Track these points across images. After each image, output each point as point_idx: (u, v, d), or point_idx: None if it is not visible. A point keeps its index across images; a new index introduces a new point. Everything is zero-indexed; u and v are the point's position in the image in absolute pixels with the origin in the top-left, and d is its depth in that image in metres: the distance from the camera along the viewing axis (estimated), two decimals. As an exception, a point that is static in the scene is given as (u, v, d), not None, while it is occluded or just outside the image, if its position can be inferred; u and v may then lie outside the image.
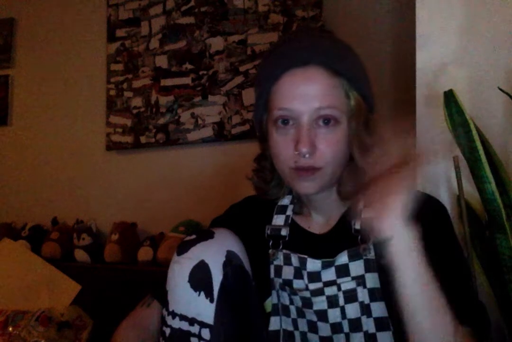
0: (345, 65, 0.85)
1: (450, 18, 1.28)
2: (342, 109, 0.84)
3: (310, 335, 0.87)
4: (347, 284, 0.84)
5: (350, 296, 0.84)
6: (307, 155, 0.82)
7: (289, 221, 0.96)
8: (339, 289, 0.84)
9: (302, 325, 0.88)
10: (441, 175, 1.25)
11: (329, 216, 0.93)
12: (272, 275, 0.93)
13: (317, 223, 0.94)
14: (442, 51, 1.28)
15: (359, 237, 0.86)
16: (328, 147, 0.83)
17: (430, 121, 1.26)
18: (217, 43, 2.18)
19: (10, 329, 1.76)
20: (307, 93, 0.82)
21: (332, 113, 0.83)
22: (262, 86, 0.88)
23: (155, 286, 0.94)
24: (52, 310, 1.82)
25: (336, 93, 0.83)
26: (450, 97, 1.05)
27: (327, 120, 0.83)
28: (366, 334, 0.82)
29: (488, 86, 1.22)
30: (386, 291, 0.82)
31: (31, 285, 1.96)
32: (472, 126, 1.02)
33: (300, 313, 0.88)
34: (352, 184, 0.87)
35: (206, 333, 0.81)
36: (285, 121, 0.84)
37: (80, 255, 2.11)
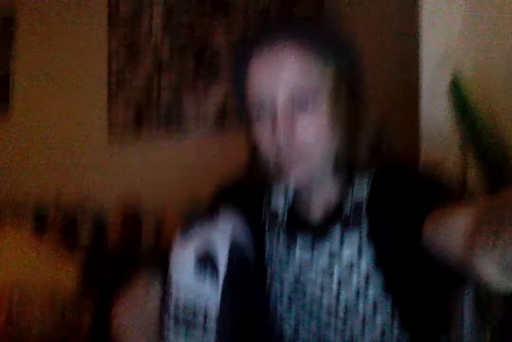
0: (319, 42, 0.80)
1: (455, 0, 1.26)
2: (318, 89, 0.79)
3: (308, 312, 0.86)
4: (343, 256, 0.82)
5: (349, 268, 0.82)
6: (285, 148, 0.79)
7: (287, 206, 0.94)
8: (335, 262, 0.83)
9: (297, 309, 0.87)
10: (447, 161, 1.24)
11: (326, 200, 0.90)
12: (266, 256, 0.92)
13: (315, 209, 0.91)
14: (448, 34, 1.27)
15: (352, 219, 0.83)
16: (308, 134, 0.80)
17: (435, 105, 1.26)
18: (218, 36, 2.17)
19: (14, 314, 1.77)
20: (277, 80, 0.79)
21: (307, 95, 0.79)
22: (235, 79, 0.86)
23: (157, 264, 0.92)
24: (55, 290, 1.83)
25: (310, 73, 0.79)
26: (455, 82, 1.05)
27: (303, 104, 0.79)
28: (368, 302, 0.80)
29: (494, 69, 1.21)
30: (382, 265, 0.80)
31: (33, 270, 1.97)
32: (477, 110, 1.02)
33: (293, 299, 0.87)
34: (347, 160, 0.84)
35: (210, 321, 0.80)
36: (261, 113, 0.81)
37: (83, 242, 2.12)
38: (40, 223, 2.28)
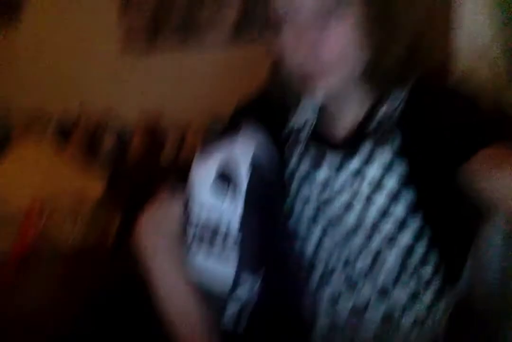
0: None
1: None
2: None
3: (333, 228, 0.84)
4: (373, 172, 0.79)
5: (377, 185, 0.79)
6: (310, 60, 0.74)
7: (313, 122, 0.90)
8: (364, 179, 0.80)
9: (324, 219, 0.85)
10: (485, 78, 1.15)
11: (355, 115, 0.85)
12: (289, 174, 0.89)
13: (343, 124, 0.86)
14: None
15: (383, 134, 0.79)
16: (335, 45, 0.74)
17: (475, 13, 1.15)
18: None
19: (42, 225, 1.81)
20: None
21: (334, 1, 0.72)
22: None
23: (178, 177, 0.90)
24: (82, 201, 1.86)
25: None
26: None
27: (331, 11, 0.72)
28: (396, 222, 0.78)
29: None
30: (413, 183, 0.77)
31: (59, 183, 2.00)
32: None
33: (321, 209, 0.85)
34: (379, 73, 0.78)
35: (230, 240, 0.80)
36: (285, 21, 0.75)
37: (106, 155, 2.15)
38: (63, 137, 2.28)
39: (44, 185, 1.96)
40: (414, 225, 0.78)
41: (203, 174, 0.83)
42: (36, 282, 1.33)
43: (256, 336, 0.84)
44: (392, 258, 0.79)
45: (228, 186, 0.81)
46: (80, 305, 1.16)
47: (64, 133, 2.29)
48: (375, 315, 0.81)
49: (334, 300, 0.84)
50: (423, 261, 0.79)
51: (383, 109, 0.81)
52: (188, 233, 0.83)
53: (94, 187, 1.98)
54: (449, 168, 0.71)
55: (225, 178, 0.81)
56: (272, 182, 0.86)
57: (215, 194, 0.81)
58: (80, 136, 2.26)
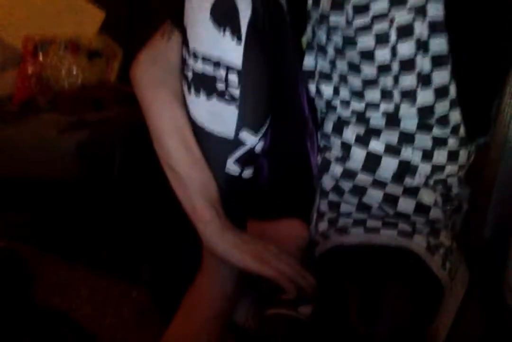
0: None
1: None
2: None
3: (351, 78, 0.76)
4: (403, 17, 0.68)
5: (405, 32, 0.69)
6: None
7: None
8: (391, 24, 0.69)
9: (341, 66, 0.76)
10: None
11: None
12: (309, 4, 0.76)
13: None
14: None
15: None
16: None
17: None
18: None
19: (41, 58, 1.73)
20: None
21: None
22: None
23: (176, 13, 0.77)
24: (79, 38, 1.75)
25: None
26: None
27: None
28: (419, 74, 0.71)
29: None
30: (451, 21, 0.69)
31: (54, 12, 1.85)
32: None
33: (339, 54, 0.76)
34: None
35: (233, 78, 0.70)
36: None
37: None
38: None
39: (36, 22, 1.82)
40: (446, 64, 0.72)
41: (199, 8, 0.69)
42: (38, 124, 1.28)
43: (262, 182, 0.81)
44: (420, 101, 0.74)
45: (227, 18, 0.68)
46: (83, 145, 1.12)
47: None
48: (392, 163, 0.78)
49: (348, 147, 0.80)
50: (449, 106, 0.75)
51: None
52: (187, 75, 0.73)
53: (93, 18, 1.83)
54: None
55: (222, 6, 0.68)
56: (280, 16, 0.74)
57: (211, 29, 0.69)
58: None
